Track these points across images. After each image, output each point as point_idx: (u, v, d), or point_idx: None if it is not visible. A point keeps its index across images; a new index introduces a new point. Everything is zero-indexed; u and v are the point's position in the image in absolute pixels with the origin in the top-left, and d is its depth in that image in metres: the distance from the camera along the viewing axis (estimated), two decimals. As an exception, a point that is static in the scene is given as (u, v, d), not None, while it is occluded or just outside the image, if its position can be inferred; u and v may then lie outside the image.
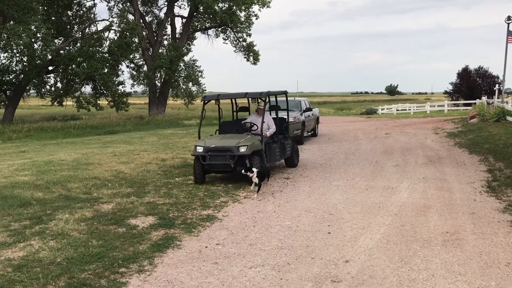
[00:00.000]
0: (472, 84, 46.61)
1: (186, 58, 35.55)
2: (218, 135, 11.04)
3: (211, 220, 7.26)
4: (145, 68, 34.55)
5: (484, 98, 31.25)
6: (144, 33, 33.12)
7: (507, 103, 27.47)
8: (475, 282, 4.67)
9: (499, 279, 4.72)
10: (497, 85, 33.77)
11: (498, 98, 30.25)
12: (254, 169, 9.12)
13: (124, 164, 12.02)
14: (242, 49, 36.25)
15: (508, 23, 26.65)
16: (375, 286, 4.63)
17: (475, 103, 31.35)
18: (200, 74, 35.55)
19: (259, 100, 11.18)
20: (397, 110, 43.75)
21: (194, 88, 35.83)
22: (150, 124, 29.68)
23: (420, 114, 39.37)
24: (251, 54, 35.93)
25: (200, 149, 9.85)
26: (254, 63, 36.44)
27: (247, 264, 5.36)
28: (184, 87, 35.54)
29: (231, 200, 8.61)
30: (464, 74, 47.69)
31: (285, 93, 12.11)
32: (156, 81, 34.47)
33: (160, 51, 33.95)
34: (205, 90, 36.87)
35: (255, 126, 10.85)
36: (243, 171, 9.22)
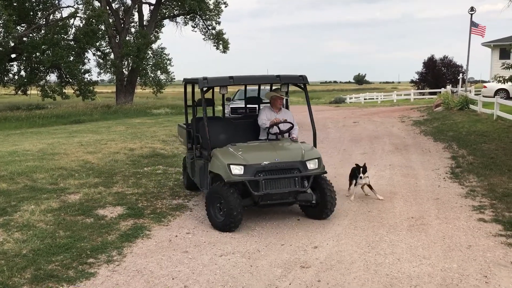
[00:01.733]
0: (438, 73, 47.61)
1: (154, 46, 34.96)
2: (237, 143, 6.75)
3: (181, 209, 7.23)
4: (112, 56, 33.82)
5: (448, 87, 32.00)
6: (110, 20, 32.37)
7: (470, 92, 28.23)
8: (438, 264, 4.83)
9: (460, 261, 4.90)
10: (461, 74, 34.64)
11: (462, 87, 31.04)
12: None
13: (91, 154, 11.81)
14: (211, 37, 35.91)
15: (471, 14, 27.28)
16: (343, 270, 4.73)
17: (440, 92, 32.13)
18: (168, 62, 35.04)
19: (275, 88, 7.92)
20: (365, 99, 44.39)
21: (162, 77, 35.30)
22: (117, 113, 29.18)
23: (387, 102, 40.05)
24: (220, 42, 35.64)
25: (239, 170, 5.98)
26: (224, 52, 36.18)
27: (217, 252, 5.38)
28: (152, 75, 34.96)
29: (201, 189, 8.59)
30: (430, 64, 48.64)
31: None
32: (124, 69, 33.80)
33: (127, 38, 33.24)
34: (174, 78, 36.45)
35: (284, 124, 7.20)
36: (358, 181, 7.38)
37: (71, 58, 30.76)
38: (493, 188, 7.80)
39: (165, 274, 4.78)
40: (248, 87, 9.64)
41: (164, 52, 35.11)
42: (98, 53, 34.47)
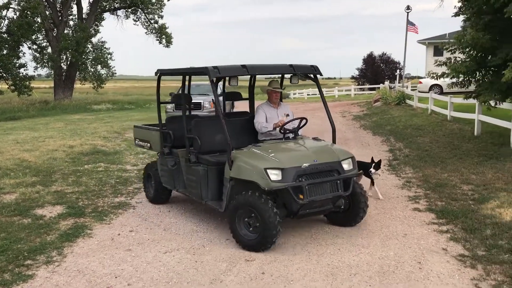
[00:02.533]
0: (377, 69, 49.33)
1: (94, 40, 33.92)
2: (260, 144, 5.84)
3: (123, 207, 7.10)
4: (49, 50, 32.45)
5: (386, 83, 33.21)
6: (47, 12, 31.03)
7: (407, 87, 29.48)
8: (376, 253, 5.05)
9: (397, 249, 5.14)
10: (398, 71, 36.03)
11: (399, 82, 32.32)
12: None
13: (28, 151, 11.32)
14: (154, 31, 35.25)
15: (408, 12, 28.42)
16: (286, 262, 4.84)
17: (379, 88, 33.29)
18: (109, 56, 34.11)
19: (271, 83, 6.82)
20: (308, 94, 45.19)
21: (103, 71, 34.34)
22: (56, 109, 28.08)
23: (329, 98, 40.99)
24: (163, 36, 35.06)
25: (277, 176, 5.08)
26: (167, 46, 35.64)
27: (162, 249, 5.34)
28: (92, 70, 33.91)
29: (145, 186, 8.46)
30: (369, 60, 50.29)
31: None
32: (62, 64, 32.51)
33: (65, 32, 31.99)
34: (115, 73, 35.54)
35: (286, 121, 6.33)
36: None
37: (5, 52, 29.23)
38: (427, 179, 8.22)
39: (107, 273, 4.69)
40: (193, 82, 9.19)
41: (104, 46, 34.15)
42: (34, 46, 32.93)
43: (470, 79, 10.82)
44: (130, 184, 8.57)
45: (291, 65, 6.06)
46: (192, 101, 8.06)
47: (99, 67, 33.90)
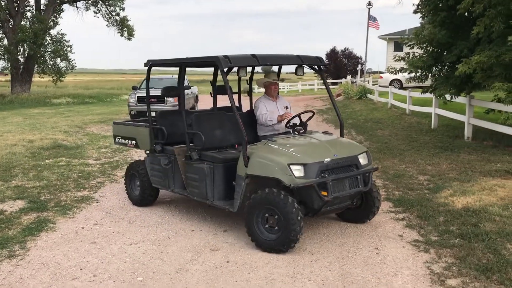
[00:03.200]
0: (339, 64, 50.13)
1: (53, 32, 32.99)
2: (275, 139, 5.43)
3: (87, 201, 7.06)
4: (5, 41, 31.35)
5: (349, 78, 33.85)
6: (2, 3, 29.95)
7: (368, 82, 30.18)
8: (336, 240, 5.25)
9: (356, 236, 5.36)
10: (359, 66, 36.74)
11: (360, 77, 33.00)
12: None
13: (-15, 146, 11.03)
14: (115, 24, 34.59)
15: (369, 8, 29.02)
16: (250, 250, 4.97)
17: (341, 82, 33.90)
18: (69, 49, 33.25)
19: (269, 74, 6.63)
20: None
21: (63, 64, 33.47)
22: (13, 103, 27.25)
23: (293, 92, 41.45)
24: (125, 29, 34.48)
25: (300, 172, 4.84)
26: (129, 39, 35.06)
27: (127, 241, 5.37)
28: (51, 63, 33.00)
29: (108, 180, 8.42)
30: (332, 55, 51.03)
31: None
32: (19, 56, 31.50)
33: (22, 23, 30.98)
34: (75, 66, 34.71)
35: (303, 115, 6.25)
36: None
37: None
38: (386, 170, 8.52)
39: (72, 265, 4.70)
40: (155, 76, 8.90)
41: (64, 39, 33.26)
42: (-11, 38, 31.77)
43: (427, 73, 11.24)
44: (93, 178, 8.50)
45: (298, 56, 5.93)
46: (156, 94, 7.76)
47: (58, 60, 33.04)
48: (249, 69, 6.64)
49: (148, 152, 6.64)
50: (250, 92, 7.44)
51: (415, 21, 10.48)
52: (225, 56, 5.18)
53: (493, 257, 4.49)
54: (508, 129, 9.41)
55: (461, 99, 11.38)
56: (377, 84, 27.87)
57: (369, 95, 23.66)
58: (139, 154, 10.71)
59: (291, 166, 4.77)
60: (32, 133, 13.50)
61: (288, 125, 6.00)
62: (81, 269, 4.59)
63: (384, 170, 8.58)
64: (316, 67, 6.16)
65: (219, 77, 6.20)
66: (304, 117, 6.19)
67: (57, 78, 33.01)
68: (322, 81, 45.14)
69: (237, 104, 7.31)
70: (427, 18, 10.98)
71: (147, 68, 6.41)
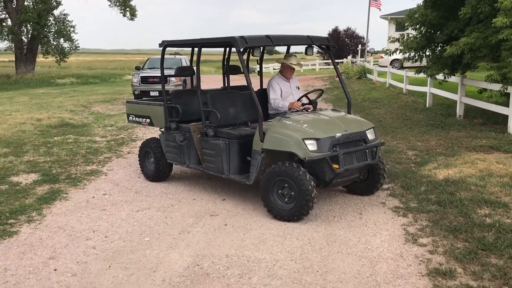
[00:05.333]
0: (341, 44, 50.10)
1: (56, 12, 33.21)
2: (288, 115, 5.75)
3: (96, 174, 7.57)
4: (9, 22, 31.63)
5: (349, 58, 34.00)
6: (5, -17, 30.16)
7: (369, 62, 30.40)
8: (324, 207, 5.74)
9: (342, 204, 5.85)
10: (359, 46, 36.81)
11: (361, 57, 33.20)
12: None
13: (-4, 124, 11.54)
14: (117, 4, 34.74)
15: (370, -12, 29.04)
16: (247, 216, 5.48)
17: (342, 62, 34.10)
18: (72, 29, 33.52)
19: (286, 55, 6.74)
20: (274, 69, 45.66)
21: (66, 45, 33.77)
22: (19, 84, 27.70)
23: (295, 73, 41.64)
24: (127, 9, 34.62)
25: (313, 146, 5.18)
26: (131, 19, 35.22)
27: (134, 208, 5.89)
28: (55, 43, 33.30)
29: (115, 156, 8.92)
30: (334, 35, 50.97)
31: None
32: (23, 37, 31.82)
33: (26, 3, 31.20)
34: (79, 46, 34.98)
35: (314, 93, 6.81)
36: None
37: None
38: (377, 146, 8.97)
39: (85, 228, 5.22)
40: (158, 56, 8.98)
41: (67, 19, 33.47)
42: (-7, 18, 32.04)
43: (421, 54, 11.60)
44: (100, 154, 9.00)
45: (308, 36, 6.20)
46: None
47: (61, 40, 33.31)
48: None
49: (162, 129, 6.98)
50: (260, 72, 7.77)
51: (417, 0, 10.64)
52: (241, 37, 5.46)
53: (463, 220, 4.99)
54: (496, 107, 9.84)
55: (454, 79, 11.76)
56: (377, 64, 28.13)
57: (368, 75, 23.99)
58: (143, 132, 11.21)
59: (305, 141, 5.13)
60: (40, 112, 13.99)
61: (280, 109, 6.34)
62: (93, 232, 5.11)
63: (375, 146, 9.03)
64: (325, 47, 6.49)
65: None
66: (315, 95, 6.55)
67: (61, 58, 33.33)
68: (323, 62, 45.35)
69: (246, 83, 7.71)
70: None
71: (161, 48, 6.73)
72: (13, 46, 31.92)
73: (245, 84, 5.67)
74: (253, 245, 4.65)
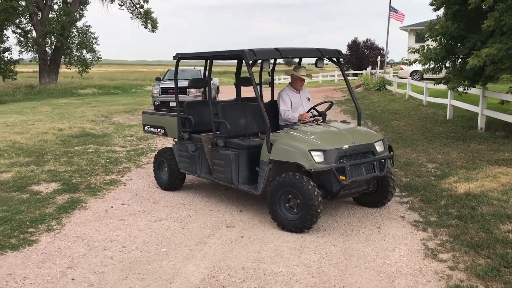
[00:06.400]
0: (361, 55, 50.04)
1: (79, 24, 33.97)
2: (296, 127, 5.82)
3: (115, 184, 7.64)
4: (34, 34, 32.44)
5: (368, 69, 33.85)
6: (31, -4, 30.98)
7: (388, 73, 30.22)
8: (342, 220, 5.68)
9: (360, 217, 5.78)
10: (379, 57, 36.62)
11: (381, 69, 33.01)
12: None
13: (19, 134, 11.77)
14: (139, 16, 35.39)
15: (390, 0, 28.97)
16: (263, 228, 5.46)
17: (362, 73, 33.96)
18: (95, 41, 34.23)
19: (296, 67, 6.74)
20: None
21: (88, 56, 34.48)
22: (42, 94, 28.29)
23: (314, 83, 41.60)
24: (148, 21, 35.24)
25: (320, 157, 5.19)
26: (153, 31, 35.84)
27: (152, 218, 5.92)
28: (77, 54, 34.01)
29: (134, 165, 9.00)
30: (354, 46, 50.94)
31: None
32: (47, 48, 32.58)
33: (50, 16, 31.99)
34: (101, 58, 35.66)
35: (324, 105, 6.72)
36: None
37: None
38: (397, 159, 8.86)
39: (104, 238, 5.26)
40: (181, 68, 9.08)
41: (89, 31, 34.20)
42: (18, 30, 32.90)
43: (441, 65, 11.46)
44: (120, 164, 9.10)
45: (318, 49, 6.24)
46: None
47: (84, 51, 34.00)
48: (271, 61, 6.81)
49: (176, 140, 7.09)
50: (271, 83, 7.86)
51: (440, 12, 10.55)
52: (250, 50, 5.55)
53: (484, 236, 4.87)
54: (519, 120, 9.65)
55: (474, 91, 11.58)
56: (397, 75, 27.91)
57: (388, 87, 23.80)
58: (162, 142, 11.30)
59: (311, 152, 5.14)
60: (61, 122, 14.23)
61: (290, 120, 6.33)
62: (111, 241, 5.15)
63: (395, 158, 8.90)
64: (335, 59, 6.49)
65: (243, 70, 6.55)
66: (324, 107, 6.55)
67: (83, 69, 34.01)
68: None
69: (271, 95, 7.78)
70: (443, 10, 11.16)
71: (175, 61, 6.87)
72: (37, 57, 32.70)
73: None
74: (269, 258, 4.62)
